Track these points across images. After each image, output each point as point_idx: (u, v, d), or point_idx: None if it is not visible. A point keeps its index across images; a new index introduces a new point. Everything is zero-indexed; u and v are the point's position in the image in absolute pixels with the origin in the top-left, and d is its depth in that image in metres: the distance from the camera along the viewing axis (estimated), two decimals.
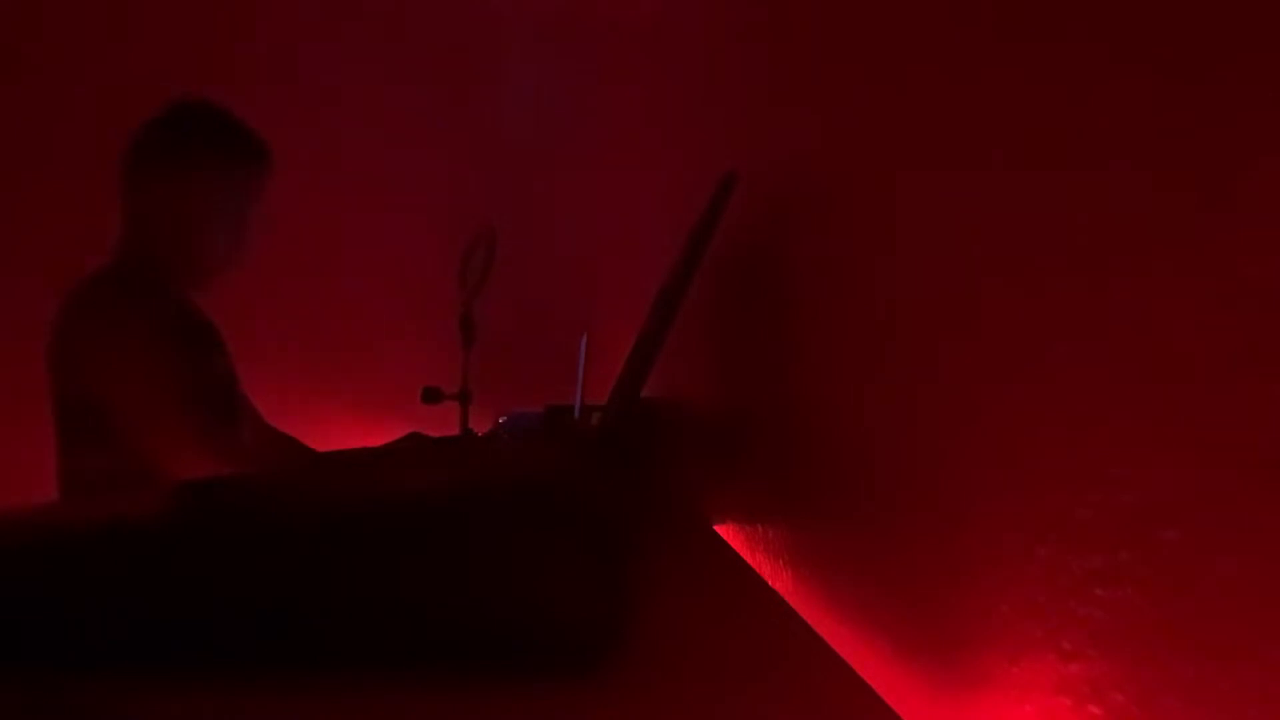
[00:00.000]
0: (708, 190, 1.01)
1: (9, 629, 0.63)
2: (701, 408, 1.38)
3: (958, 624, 0.63)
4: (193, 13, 2.52)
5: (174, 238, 1.44)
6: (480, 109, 2.79)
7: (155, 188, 1.43)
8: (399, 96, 2.74)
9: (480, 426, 1.93)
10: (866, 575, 0.80)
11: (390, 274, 2.72)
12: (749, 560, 1.09)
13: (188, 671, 0.62)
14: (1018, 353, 0.58)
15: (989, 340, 0.61)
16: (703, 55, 1.47)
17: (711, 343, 1.35)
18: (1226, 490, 0.41)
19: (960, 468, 0.64)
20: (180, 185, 1.43)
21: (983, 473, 0.61)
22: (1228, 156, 0.42)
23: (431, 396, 1.82)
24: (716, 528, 1.25)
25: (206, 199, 1.45)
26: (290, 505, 0.71)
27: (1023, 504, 0.56)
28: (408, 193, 2.74)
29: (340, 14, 2.68)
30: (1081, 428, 0.51)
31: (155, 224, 1.43)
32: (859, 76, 0.83)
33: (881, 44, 0.79)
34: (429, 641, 0.65)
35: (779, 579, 1.00)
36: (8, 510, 0.74)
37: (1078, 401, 0.51)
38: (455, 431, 1.83)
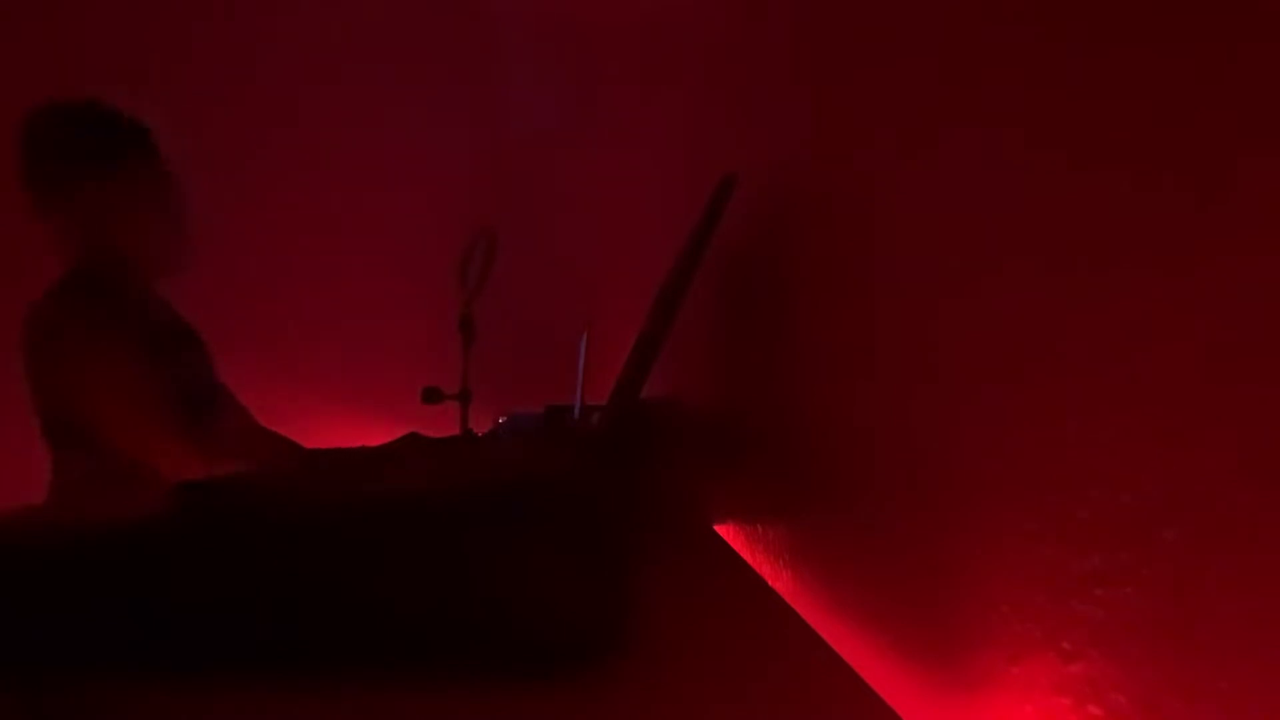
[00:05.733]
0: (708, 190, 1.01)
1: (9, 629, 0.63)
2: (701, 408, 1.38)
3: (958, 624, 0.63)
4: (193, 11, 2.52)
5: (111, 241, 1.42)
6: (480, 109, 2.79)
7: (76, 200, 1.40)
8: (399, 97, 2.74)
9: (480, 426, 1.93)
10: (866, 575, 0.80)
11: (390, 274, 2.72)
12: (749, 560, 1.09)
13: (188, 671, 0.62)
14: (1017, 353, 0.58)
15: (988, 340, 0.61)
16: (702, 55, 1.47)
17: (711, 343, 1.35)
18: (1226, 490, 0.41)
19: (960, 468, 0.64)
20: (96, 191, 1.39)
21: (982, 473, 0.61)
22: (1224, 157, 0.42)
23: (431, 396, 1.82)
24: (716, 528, 1.25)
25: (128, 194, 1.41)
26: (290, 506, 0.71)
27: (1023, 504, 0.56)
28: (408, 193, 2.74)
29: (340, 15, 2.68)
30: (1081, 428, 0.51)
31: (89, 233, 1.41)
32: (858, 77, 0.83)
33: (880, 44, 0.79)
34: (429, 641, 0.65)
35: (779, 579, 1.00)
36: (8, 510, 0.74)
37: (1077, 401, 0.51)
38: (455, 431, 1.83)
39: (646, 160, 1.95)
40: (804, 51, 0.98)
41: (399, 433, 1.62)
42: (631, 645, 0.69)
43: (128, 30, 2.41)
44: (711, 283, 1.25)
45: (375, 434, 1.71)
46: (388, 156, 2.73)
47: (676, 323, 0.96)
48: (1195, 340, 0.43)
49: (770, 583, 1.00)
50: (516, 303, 2.51)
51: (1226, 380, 0.41)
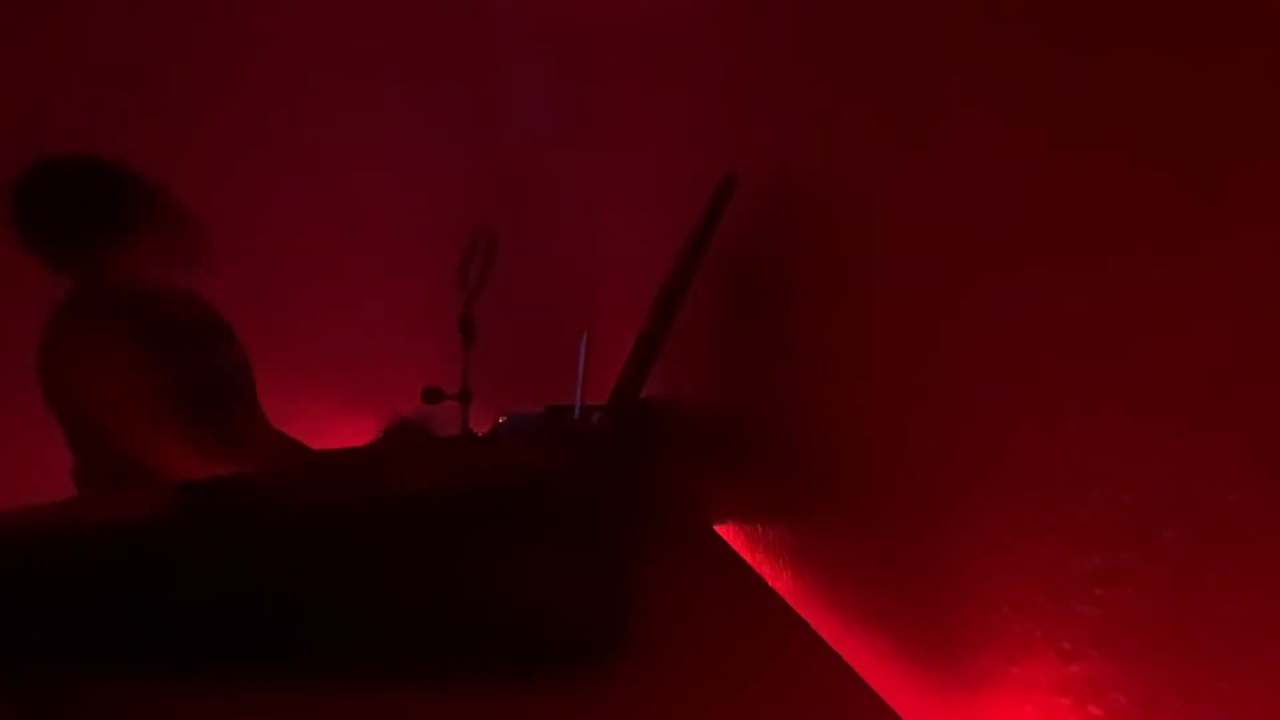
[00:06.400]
0: (708, 190, 1.01)
1: (10, 629, 0.63)
2: (701, 408, 1.38)
3: (958, 624, 0.63)
4: (193, 11, 2.52)
5: (115, 281, 1.42)
6: (480, 109, 2.79)
7: (78, 262, 1.39)
8: (399, 96, 2.73)
9: (480, 426, 1.93)
10: (867, 575, 0.80)
11: (390, 274, 2.72)
12: (749, 560, 1.09)
13: (188, 671, 0.62)
14: (1017, 353, 0.58)
15: (988, 340, 0.61)
16: (703, 55, 1.47)
17: (711, 343, 1.35)
18: (1226, 490, 0.41)
19: (960, 468, 0.64)
20: (97, 253, 1.38)
21: (982, 473, 0.61)
22: (1224, 157, 0.42)
23: (431, 396, 1.82)
24: (716, 528, 1.25)
25: (130, 253, 1.41)
26: (291, 505, 0.71)
27: (1023, 504, 0.56)
28: (408, 193, 2.74)
29: (341, 15, 2.68)
30: (1081, 428, 0.51)
31: (92, 279, 1.41)
32: (858, 77, 0.83)
33: (880, 45, 0.79)
34: (429, 640, 0.65)
35: (779, 579, 1.00)
36: (8, 510, 0.74)
37: (1077, 402, 0.51)
38: (455, 431, 1.83)
39: (646, 160, 1.94)
40: (804, 51, 0.98)
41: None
42: (631, 645, 0.69)
43: (127, 31, 2.41)
44: (711, 283, 1.25)
45: (375, 434, 1.71)
46: (387, 157, 2.73)
47: (676, 323, 0.96)
48: (1195, 340, 0.43)
49: (770, 583, 1.00)
50: (516, 303, 2.51)
51: (1226, 380, 0.41)
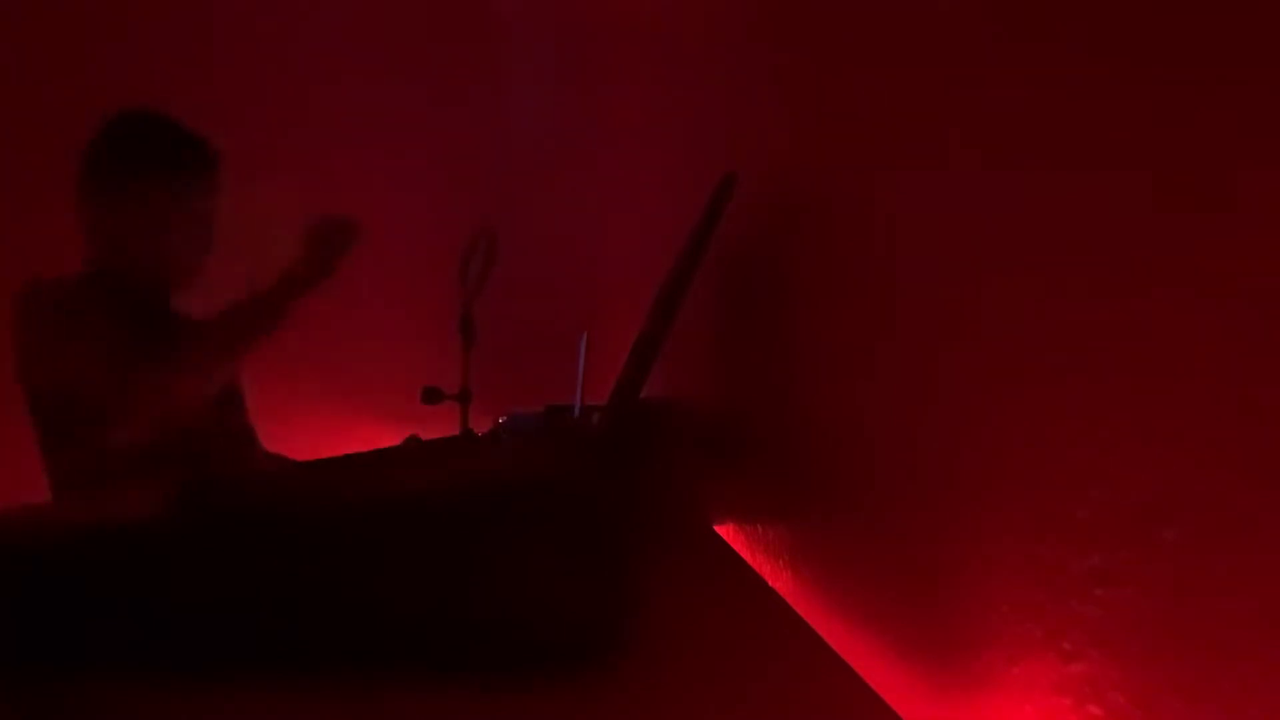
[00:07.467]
0: (708, 190, 1.01)
1: (9, 629, 0.63)
2: (701, 408, 1.38)
3: (958, 624, 0.63)
4: (190, 12, 2.52)
5: (137, 252, 1.43)
6: (480, 109, 2.79)
7: (113, 206, 1.42)
8: (399, 96, 2.73)
9: (480, 426, 1.93)
10: (867, 575, 0.80)
11: (390, 274, 2.72)
12: (749, 560, 1.09)
13: (188, 671, 0.62)
14: (1017, 354, 0.58)
15: (988, 341, 0.61)
16: (703, 55, 1.47)
17: (711, 343, 1.35)
18: (1226, 490, 0.41)
19: (960, 467, 0.64)
20: (136, 202, 1.41)
21: (983, 473, 0.61)
22: (1226, 160, 0.42)
23: (431, 396, 1.81)
24: (716, 528, 1.25)
25: (164, 211, 1.43)
26: (290, 505, 0.71)
27: (1023, 504, 0.56)
28: (408, 193, 2.73)
29: (340, 13, 2.68)
30: (1081, 428, 0.51)
31: (117, 240, 1.42)
32: (860, 78, 0.83)
33: (882, 46, 0.79)
34: (429, 640, 0.65)
35: (779, 579, 1.00)
36: (8, 510, 0.74)
37: (1077, 402, 0.51)
38: (455, 431, 1.83)
39: (646, 160, 1.94)
40: (805, 51, 0.98)
41: (399, 433, 1.62)
42: (631, 645, 0.69)
43: (126, 31, 2.41)
44: (711, 283, 1.25)
45: (375, 434, 1.71)
46: (388, 156, 2.73)
47: (676, 323, 0.96)
48: (1195, 340, 0.43)
49: (770, 583, 1.00)
50: (516, 303, 2.50)
51: (1226, 381, 0.41)
